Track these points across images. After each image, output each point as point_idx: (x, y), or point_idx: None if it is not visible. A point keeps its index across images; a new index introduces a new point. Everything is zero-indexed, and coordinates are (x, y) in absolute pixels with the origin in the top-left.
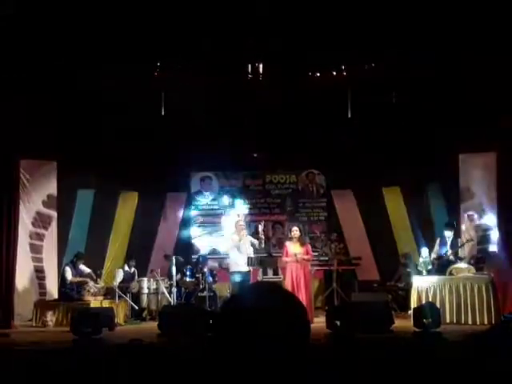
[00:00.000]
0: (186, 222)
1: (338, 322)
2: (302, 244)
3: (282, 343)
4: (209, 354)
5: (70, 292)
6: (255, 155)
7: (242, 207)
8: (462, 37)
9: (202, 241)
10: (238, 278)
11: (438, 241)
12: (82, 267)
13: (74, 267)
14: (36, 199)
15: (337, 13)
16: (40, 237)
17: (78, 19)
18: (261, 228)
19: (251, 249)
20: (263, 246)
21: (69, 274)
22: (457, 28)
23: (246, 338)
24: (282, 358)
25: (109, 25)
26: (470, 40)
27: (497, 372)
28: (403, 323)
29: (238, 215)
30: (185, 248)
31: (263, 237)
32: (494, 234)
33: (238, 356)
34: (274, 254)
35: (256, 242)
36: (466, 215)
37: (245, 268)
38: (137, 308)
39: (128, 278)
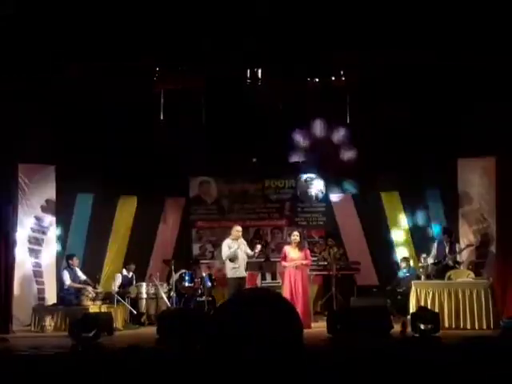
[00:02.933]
0: (184, 227)
1: (338, 327)
2: (301, 249)
3: (275, 347)
4: (204, 358)
5: (68, 297)
6: (254, 160)
7: (239, 212)
8: (462, 40)
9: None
10: (234, 284)
11: (435, 245)
12: (79, 272)
13: (71, 270)
14: (35, 204)
15: (335, 17)
16: (38, 241)
17: (77, 22)
18: (257, 250)
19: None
20: (254, 259)
21: (66, 278)
22: (457, 31)
23: (239, 342)
24: (275, 361)
25: (108, 28)
26: (470, 43)
27: (495, 377)
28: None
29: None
30: (183, 253)
31: (256, 254)
32: (493, 239)
33: (232, 360)
34: (273, 259)
35: (251, 252)
36: (464, 220)
37: (241, 274)
38: (135, 313)
39: (126, 282)
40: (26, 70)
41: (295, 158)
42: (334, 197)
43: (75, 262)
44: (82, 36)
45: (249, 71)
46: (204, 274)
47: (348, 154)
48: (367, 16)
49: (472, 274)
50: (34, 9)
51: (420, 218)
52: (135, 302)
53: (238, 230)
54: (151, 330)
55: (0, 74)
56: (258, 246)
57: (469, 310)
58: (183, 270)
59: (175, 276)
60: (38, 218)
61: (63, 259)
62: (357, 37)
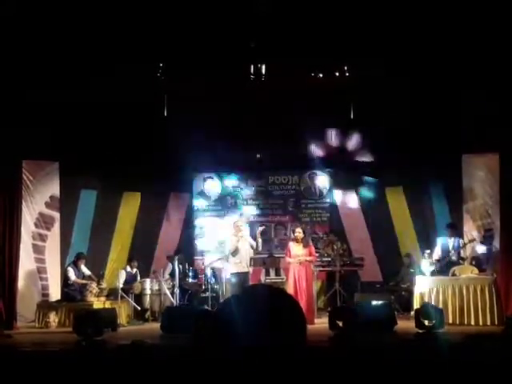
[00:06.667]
0: (188, 223)
1: (341, 323)
2: (305, 245)
3: (278, 343)
4: (208, 354)
5: (72, 293)
6: (258, 156)
7: (242, 208)
8: (462, 36)
9: (204, 241)
10: (236, 279)
11: (439, 241)
12: (83, 269)
13: (76, 268)
14: (39, 200)
15: (339, 13)
16: (43, 237)
17: (80, 19)
18: (259, 231)
19: (251, 250)
20: (260, 248)
21: (71, 274)
22: (457, 27)
23: (243, 337)
24: (279, 357)
25: (111, 26)
26: (471, 40)
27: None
28: (406, 324)
29: (238, 216)
30: (187, 249)
31: (260, 240)
32: (497, 235)
33: (235, 355)
34: (277, 255)
35: (254, 243)
36: (468, 216)
37: (244, 269)
38: (139, 309)
39: (130, 278)
40: (28, 67)
41: (297, 154)
42: (338, 193)
43: (82, 261)
44: (84, 35)
45: (252, 66)
46: (208, 270)
47: (352, 150)
48: (369, 16)
49: (476, 270)
50: (37, 8)
51: (424, 214)
52: (139, 298)
53: (237, 224)
54: (155, 326)
55: (3, 71)
56: (260, 228)
57: (473, 305)
58: (170, 264)
59: (167, 270)
60: (42, 214)
61: (67, 255)
62: (358, 36)
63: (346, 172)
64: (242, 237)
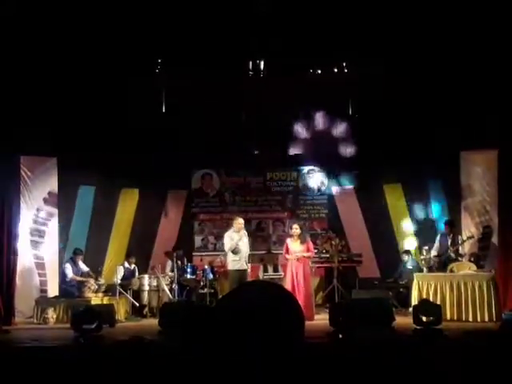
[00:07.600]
0: (186, 219)
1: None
2: (303, 241)
3: (275, 339)
4: (205, 351)
5: (70, 289)
6: (256, 152)
7: (241, 205)
8: (462, 33)
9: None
10: (235, 277)
11: (438, 238)
12: (81, 265)
13: (74, 264)
14: (37, 196)
15: (339, 11)
16: (41, 233)
17: (79, 15)
18: None
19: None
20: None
21: (69, 270)
22: (457, 25)
23: (240, 334)
24: (277, 354)
25: (110, 21)
26: (470, 36)
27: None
28: (404, 320)
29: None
30: (185, 245)
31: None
32: (495, 232)
33: (233, 352)
34: (275, 252)
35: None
36: (466, 212)
37: (243, 266)
38: (137, 305)
39: (128, 274)
40: (27, 63)
41: (296, 151)
42: (336, 189)
43: (80, 257)
44: (82, 31)
45: (251, 63)
46: (206, 266)
47: (350, 147)
48: (368, 13)
49: (474, 267)
50: (34, 6)
51: (422, 211)
52: (137, 294)
53: (239, 222)
54: (153, 322)
55: (2, 68)
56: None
57: (471, 302)
58: (170, 261)
59: (168, 266)
60: (40, 211)
61: (65, 251)
62: (358, 34)
63: (344, 168)
64: (242, 234)
